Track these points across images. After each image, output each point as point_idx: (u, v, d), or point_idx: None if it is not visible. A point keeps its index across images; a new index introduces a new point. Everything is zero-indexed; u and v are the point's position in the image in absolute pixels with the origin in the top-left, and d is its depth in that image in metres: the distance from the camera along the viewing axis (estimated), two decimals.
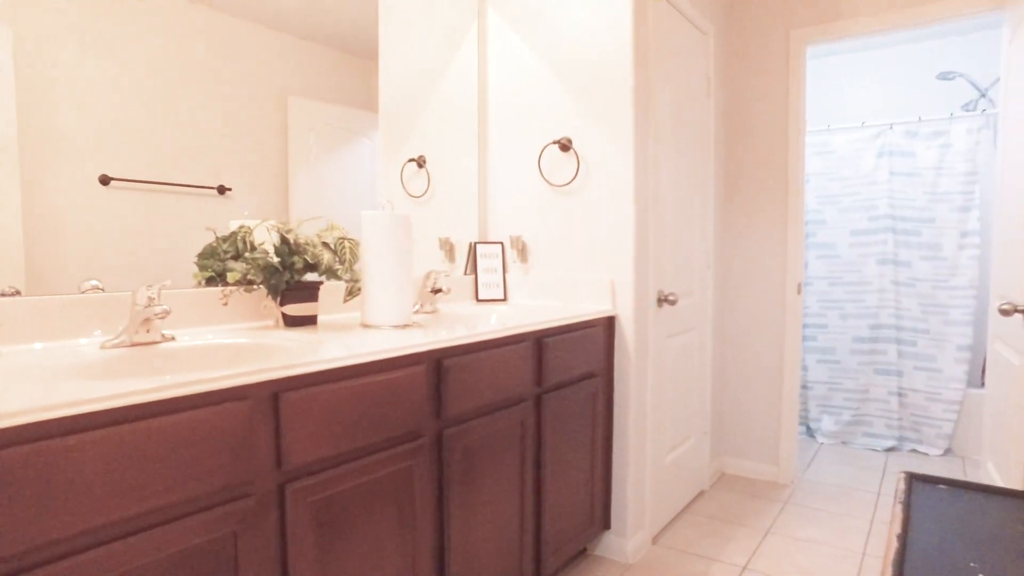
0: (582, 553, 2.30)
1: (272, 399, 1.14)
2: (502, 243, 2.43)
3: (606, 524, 2.25)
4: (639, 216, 2.21)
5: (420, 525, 1.45)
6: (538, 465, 1.87)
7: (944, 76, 3.75)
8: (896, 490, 1.99)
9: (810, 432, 3.79)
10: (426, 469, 1.46)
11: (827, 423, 3.70)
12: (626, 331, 2.20)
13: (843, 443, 3.66)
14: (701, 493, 2.90)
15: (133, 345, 1.34)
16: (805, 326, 3.77)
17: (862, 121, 3.72)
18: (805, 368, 3.79)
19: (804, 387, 3.80)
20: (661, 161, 2.37)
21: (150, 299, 1.35)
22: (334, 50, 2.01)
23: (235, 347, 1.40)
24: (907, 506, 1.87)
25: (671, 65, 2.44)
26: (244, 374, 1.07)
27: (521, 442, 1.78)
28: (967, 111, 3.65)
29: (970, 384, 3.48)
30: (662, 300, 2.37)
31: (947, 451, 3.44)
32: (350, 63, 2.06)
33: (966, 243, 3.41)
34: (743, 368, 3.09)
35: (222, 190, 1.71)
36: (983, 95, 3.65)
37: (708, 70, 2.80)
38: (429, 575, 1.49)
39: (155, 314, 1.34)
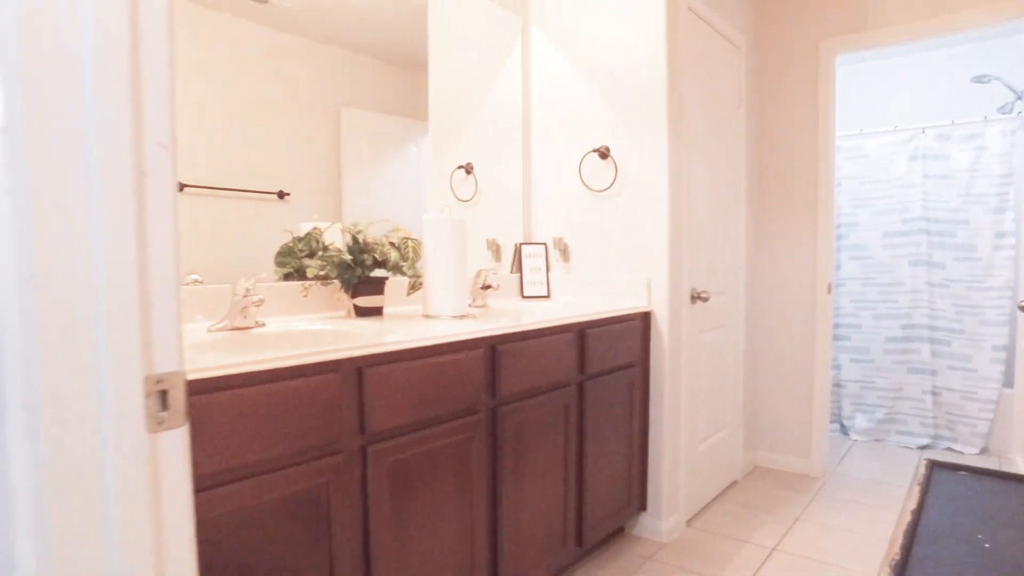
0: (620, 532, 2.46)
1: (357, 373, 1.34)
2: (545, 244, 2.62)
3: (642, 506, 2.41)
4: (673, 219, 2.37)
5: (476, 491, 1.64)
6: (580, 445, 2.05)
7: (979, 79, 3.80)
8: (916, 474, 2.11)
9: (844, 430, 3.87)
10: (482, 442, 1.65)
11: (861, 421, 3.78)
12: (661, 325, 2.36)
13: (877, 440, 3.73)
14: (734, 483, 3.03)
15: (233, 329, 1.57)
16: (838, 326, 3.86)
17: (895, 125, 3.80)
18: (838, 367, 3.88)
19: (838, 385, 3.88)
20: (693, 167, 2.53)
21: (247, 290, 1.58)
22: (384, 62, 2.20)
23: (318, 332, 1.62)
24: (925, 487, 2.00)
25: (703, 76, 2.60)
26: (335, 350, 1.28)
27: (565, 423, 1.96)
28: (1003, 114, 3.69)
29: (1006, 384, 3.52)
30: (695, 297, 2.52)
31: (983, 450, 3.49)
32: (399, 74, 2.25)
33: (1001, 244, 3.46)
34: (775, 365, 3.21)
35: (282, 195, 1.91)
36: (1019, 97, 3.69)
37: (739, 80, 2.94)
38: (483, 535, 1.68)
39: (252, 303, 1.57)
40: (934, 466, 2.05)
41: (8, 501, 0.61)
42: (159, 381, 0.67)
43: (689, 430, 2.56)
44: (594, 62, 2.50)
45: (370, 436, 1.38)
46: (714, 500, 2.83)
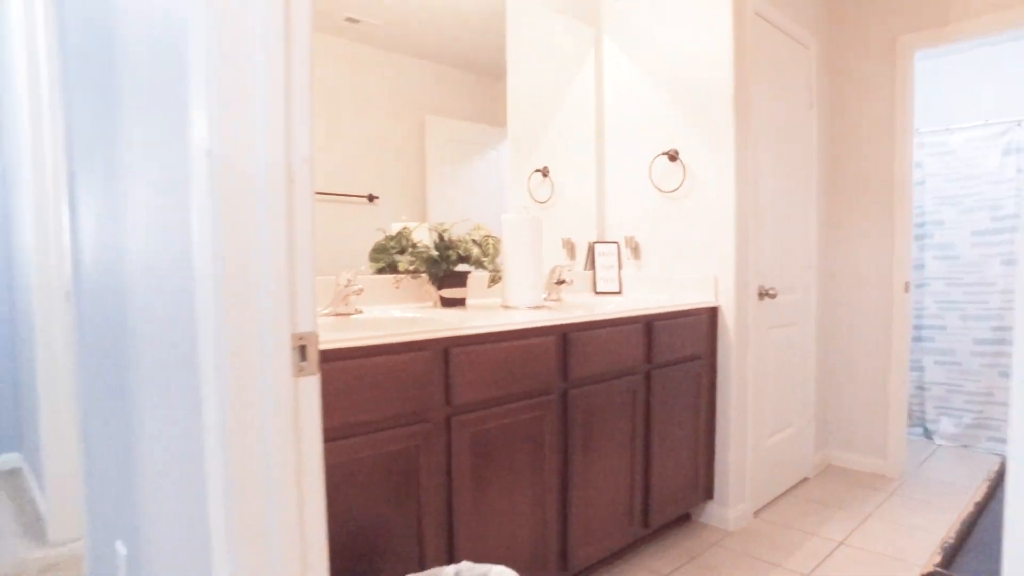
0: (686, 519, 2.56)
1: (444, 352, 1.54)
2: (617, 243, 2.75)
3: (709, 494, 2.50)
4: (740, 218, 2.46)
5: (548, 465, 1.81)
6: (647, 430, 2.17)
7: None
8: (988, 472, 2.10)
9: (927, 433, 3.77)
10: (554, 421, 1.82)
11: (946, 425, 3.67)
12: (728, 320, 2.45)
13: (964, 446, 3.62)
14: (805, 480, 3.05)
15: (337, 315, 1.80)
16: (921, 327, 3.77)
17: (985, 119, 3.67)
18: (921, 369, 3.78)
19: (920, 388, 3.79)
20: (762, 167, 2.60)
21: (348, 280, 1.81)
22: (465, 72, 2.39)
23: (410, 319, 1.83)
24: (994, 483, 1.99)
25: (772, 79, 2.66)
26: (426, 332, 1.48)
27: (632, 408, 2.09)
28: None
29: None
30: (763, 294, 2.59)
31: None
32: (478, 83, 2.44)
33: None
34: (849, 364, 3.19)
35: (371, 198, 2.13)
36: None
37: (810, 81, 2.97)
38: (554, 506, 1.84)
39: (352, 292, 1.80)
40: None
41: (200, 419, 0.84)
42: (301, 338, 0.88)
43: (756, 424, 2.62)
44: (663, 68, 2.62)
45: (454, 408, 1.57)
46: (783, 495, 2.87)
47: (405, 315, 1.85)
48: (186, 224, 0.91)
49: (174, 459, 1.09)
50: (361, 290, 1.78)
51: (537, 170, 2.67)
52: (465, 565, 1.39)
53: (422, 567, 1.54)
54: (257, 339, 0.83)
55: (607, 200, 2.85)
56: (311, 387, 0.90)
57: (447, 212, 2.32)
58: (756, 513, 2.65)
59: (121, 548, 1.48)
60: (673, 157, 2.58)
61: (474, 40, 2.40)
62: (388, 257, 2.09)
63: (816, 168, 3.03)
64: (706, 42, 2.47)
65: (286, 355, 0.86)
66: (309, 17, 0.88)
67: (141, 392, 1.26)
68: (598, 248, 2.76)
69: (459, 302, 2.03)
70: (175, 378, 1.02)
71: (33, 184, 2.35)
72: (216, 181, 0.81)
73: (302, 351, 0.88)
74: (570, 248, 2.77)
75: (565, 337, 1.85)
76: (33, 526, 2.63)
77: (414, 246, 2.07)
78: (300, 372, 0.88)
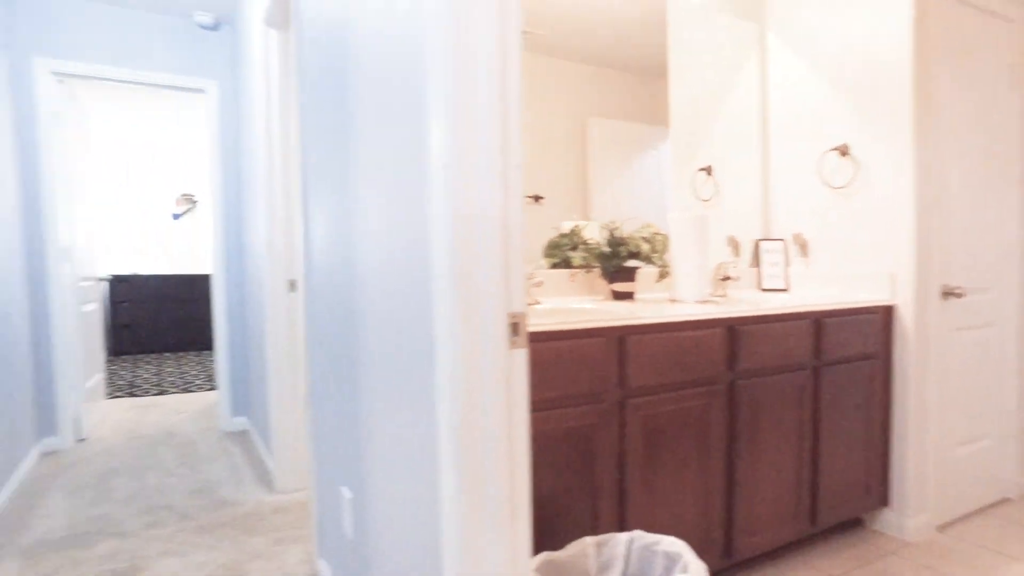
0: (858, 524, 2.48)
1: (620, 340, 1.68)
2: (783, 240, 2.72)
3: (884, 501, 2.40)
4: (920, 213, 2.33)
5: (714, 452, 1.89)
6: (814, 426, 2.16)
7: None
8: None
9: None
10: (720, 410, 1.89)
11: None
12: (905, 320, 2.34)
13: None
14: (1005, 500, 2.79)
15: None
16: None
17: None
18: None
19: None
20: (947, 157, 2.44)
21: (532, 274, 2.01)
22: (624, 73, 2.48)
23: (588, 308, 1.99)
24: None
25: (959, 61, 2.49)
26: (604, 320, 1.64)
27: (799, 403, 2.10)
28: None
29: None
30: (947, 293, 2.43)
31: None
32: (639, 84, 2.52)
33: None
34: None
35: (537, 199, 2.31)
36: None
37: (1012, 59, 2.72)
38: (719, 492, 1.91)
39: (533, 284, 2.00)
40: None
41: (433, 379, 1.05)
42: (513, 317, 1.07)
43: (941, 431, 2.47)
44: (832, 61, 2.55)
45: (628, 391, 1.71)
46: (975, 512, 2.66)
47: (582, 306, 2.01)
48: (423, 224, 1.14)
49: (401, 415, 1.33)
50: (541, 282, 1.98)
51: (701, 169, 2.72)
52: (638, 533, 1.52)
53: (594, 533, 1.69)
54: (480, 315, 1.03)
55: (772, 197, 2.83)
56: (521, 358, 1.08)
57: (609, 211, 2.44)
58: (941, 528, 2.49)
59: (347, 493, 1.79)
60: (843, 152, 2.51)
61: (634, 42, 2.50)
62: (561, 253, 2.27)
63: (1021, 155, 2.77)
64: (881, 28, 2.38)
65: (503, 329, 1.05)
66: (519, 37, 1.07)
67: (369, 362, 1.54)
68: (763, 245, 2.75)
69: (628, 295, 2.16)
70: (408, 347, 1.26)
71: (265, 196, 2.84)
72: (450, 188, 1.02)
73: (514, 328, 1.07)
74: (734, 245, 2.78)
75: (733, 330, 1.91)
76: (263, 477, 3.16)
77: (585, 243, 2.23)
78: (512, 346, 1.07)
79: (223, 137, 3.98)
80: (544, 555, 1.45)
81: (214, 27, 3.90)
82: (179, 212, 7.68)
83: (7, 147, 3.28)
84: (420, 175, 1.16)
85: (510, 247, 1.06)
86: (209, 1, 3.67)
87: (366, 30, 1.45)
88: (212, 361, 6.85)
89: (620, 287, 2.13)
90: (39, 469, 3.35)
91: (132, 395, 5.20)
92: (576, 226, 2.30)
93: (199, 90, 3.93)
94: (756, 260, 2.78)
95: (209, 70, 3.95)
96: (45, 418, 3.63)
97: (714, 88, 2.73)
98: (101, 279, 5.68)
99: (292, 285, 2.85)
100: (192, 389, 5.42)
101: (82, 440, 3.85)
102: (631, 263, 2.13)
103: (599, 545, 1.52)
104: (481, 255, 1.03)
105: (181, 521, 2.64)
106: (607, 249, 2.11)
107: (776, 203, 2.82)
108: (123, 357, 7.15)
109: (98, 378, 4.40)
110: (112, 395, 5.19)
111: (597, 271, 2.20)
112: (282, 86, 2.79)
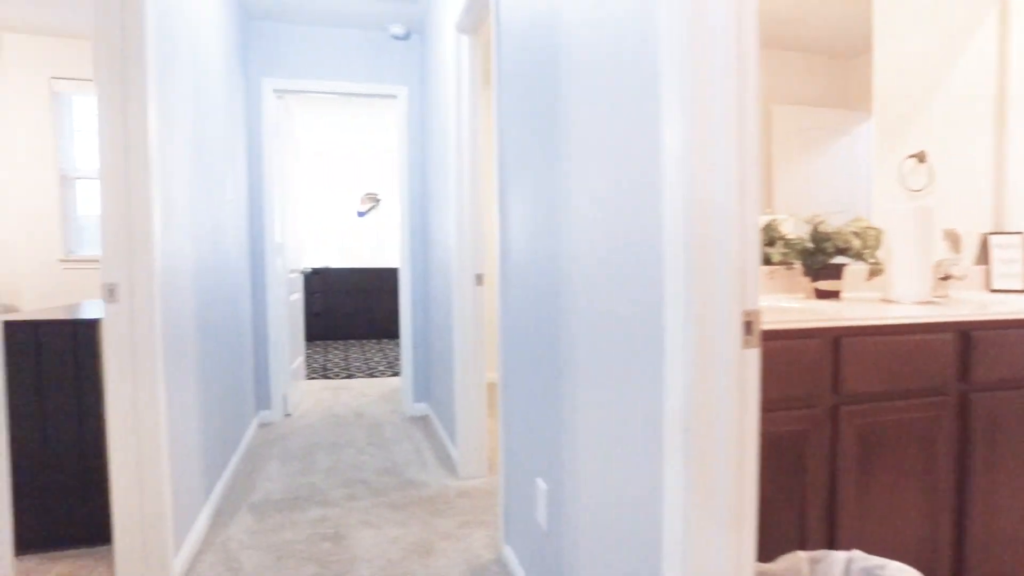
0: None
1: (834, 342, 1.56)
2: (1021, 233, 2.37)
3: None
4: None
5: (941, 473, 1.69)
6: None
7: None
8: None
9: None
10: (949, 424, 1.69)
11: None
12: None
13: None
14: None
15: None
16: None
17: None
18: None
19: None
20: None
21: None
22: (812, 55, 2.27)
23: (792, 308, 1.88)
24: None
25: None
26: (818, 320, 1.53)
27: None
28: None
29: None
30: None
31: None
32: (827, 65, 2.30)
33: None
34: None
35: None
36: None
37: None
38: (947, 520, 1.71)
39: None
40: None
41: (662, 371, 1.05)
42: (747, 315, 1.03)
43: None
44: None
45: (842, 397, 1.58)
46: None
47: (786, 304, 1.90)
48: (653, 220, 1.13)
49: (615, 412, 1.34)
50: None
51: (911, 156, 2.45)
52: (857, 554, 1.41)
53: (801, 547, 1.59)
54: (715, 312, 1.01)
55: (1008, 186, 2.47)
56: (754, 358, 1.04)
57: (795, 202, 2.28)
58: None
59: (542, 484, 1.84)
60: None
61: (825, 19, 2.30)
62: None
63: None
64: None
65: (736, 328, 1.02)
66: (756, 16, 1.02)
67: (574, 358, 1.56)
68: (994, 240, 2.41)
69: (834, 294, 2.00)
70: (628, 344, 1.26)
71: (455, 194, 3.00)
72: (685, 181, 1.00)
73: (747, 326, 1.03)
74: (953, 240, 2.47)
75: (966, 335, 1.70)
76: (445, 462, 3.35)
77: (783, 238, 2.10)
78: (745, 345, 1.03)
79: (411, 139, 4.28)
80: (756, 565, 1.39)
81: (405, 37, 4.19)
82: (364, 210, 8.38)
83: (243, 158, 3.77)
84: (649, 168, 1.15)
85: (746, 242, 1.02)
86: (403, 13, 3.95)
87: (579, 20, 1.47)
88: (392, 349, 7.40)
89: (825, 285, 1.98)
90: (258, 437, 3.82)
91: (326, 377, 5.77)
92: (773, 220, 2.17)
93: (391, 96, 4.25)
94: (984, 257, 2.45)
95: (399, 76, 4.26)
96: (262, 393, 4.14)
97: (934, 60, 2.44)
98: (302, 271, 6.36)
99: (479, 279, 2.99)
100: (376, 374, 5.89)
101: (288, 415, 4.34)
102: (838, 259, 1.97)
103: (813, 562, 1.43)
104: (717, 251, 1.00)
105: (375, 496, 2.88)
106: (810, 244, 1.97)
107: (1013, 192, 2.46)
108: (316, 343, 7.96)
109: (300, 361, 4.93)
110: (309, 376, 5.79)
111: (798, 268, 2.06)
112: (472, 88, 2.93)
